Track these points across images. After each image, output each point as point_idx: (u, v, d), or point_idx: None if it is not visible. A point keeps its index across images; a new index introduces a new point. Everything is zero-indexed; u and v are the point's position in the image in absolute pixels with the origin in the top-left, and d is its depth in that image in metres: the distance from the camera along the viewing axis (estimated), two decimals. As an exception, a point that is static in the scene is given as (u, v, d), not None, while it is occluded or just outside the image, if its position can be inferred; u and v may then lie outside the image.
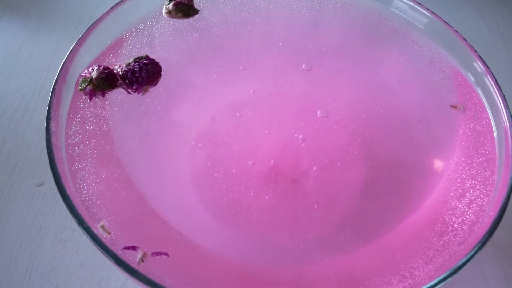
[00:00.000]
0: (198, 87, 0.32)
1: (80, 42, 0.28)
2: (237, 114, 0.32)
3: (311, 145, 0.31)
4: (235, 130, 0.31)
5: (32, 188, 0.35)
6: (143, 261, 0.23)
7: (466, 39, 0.31)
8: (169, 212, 0.27)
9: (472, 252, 0.22)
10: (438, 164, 0.30)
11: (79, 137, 0.26)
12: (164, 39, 0.32)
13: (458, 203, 0.27)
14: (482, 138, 0.29)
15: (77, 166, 0.25)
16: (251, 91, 0.32)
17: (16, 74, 0.42)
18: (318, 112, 0.32)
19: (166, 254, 0.24)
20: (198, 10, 0.32)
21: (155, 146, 0.29)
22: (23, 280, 0.31)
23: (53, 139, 0.24)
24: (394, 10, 0.34)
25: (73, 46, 0.28)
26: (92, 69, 0.28)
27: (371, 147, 0.31)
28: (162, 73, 0.29)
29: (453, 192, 0.28)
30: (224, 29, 0.34)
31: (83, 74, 0.28)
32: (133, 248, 0.23)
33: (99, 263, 0.32)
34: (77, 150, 0.26)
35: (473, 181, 0.27)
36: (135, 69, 0.28)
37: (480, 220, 0.25)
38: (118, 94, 0.29)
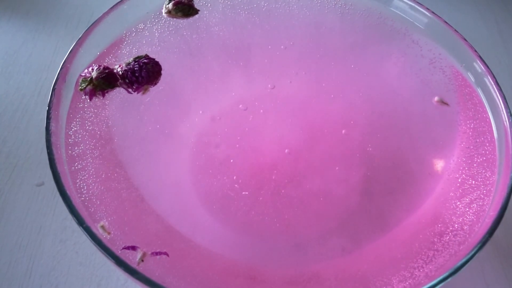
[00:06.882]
0: (199, 87, 0.32)
1: (80, 42, 0.28)
2: (237, 114, 0.32)
3: (310, 145, 0.31)
4: (235, 130, 0.31)
5: (32, 188, 0.35)
6: (142, 261, 0.23)
7: (466, 39, 0.31)
8: (169, 212, 0.27)
9: (472, 252, 0.22)
10: (438, 164, 0.30)
11: (79, 137, 0.26)
12: (164, 39, 0.32)
13: (458, 203, 0.27)
14: (482, 138, 0.29)
15: (77, 166, 0.25)
16: (251, 91, 0.32)
17: (16, 74, 0.42)
18: (318, 113, 0.32)
19: (166, 254, 0.24)
20: (198, 10, 0.32)
21: (155, 145, 0.29)
22: (23, 280, 0.31)
23: (53, 139, 0.24)
24: (394, 10, 0.34)
25: (73, 46, 0.28)
26: (92, 69, 0.28)
27: (371, 147, 0.31)
28: (162, 72, 0.29)
29: (453, 192, 0.28)
30: (224, 29, 0.34)
31: (83, 74, 0.28)
32: (133, 248, 0.23)
33: (99, 263, 0.32)
34: (77, 150, 0.26)
35: (473, 181, 0.27)
36: (135, 68, 0.28)
37: (480, 220, 0.25)
38: (118, 94, 0.29)
